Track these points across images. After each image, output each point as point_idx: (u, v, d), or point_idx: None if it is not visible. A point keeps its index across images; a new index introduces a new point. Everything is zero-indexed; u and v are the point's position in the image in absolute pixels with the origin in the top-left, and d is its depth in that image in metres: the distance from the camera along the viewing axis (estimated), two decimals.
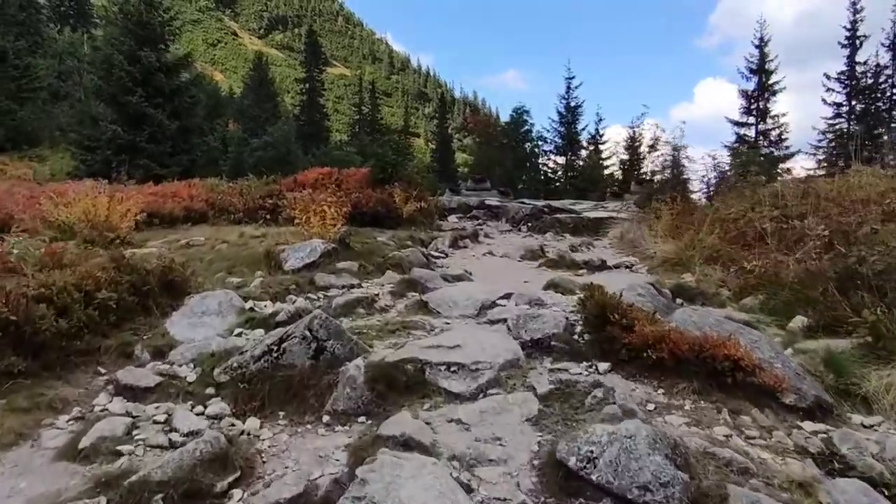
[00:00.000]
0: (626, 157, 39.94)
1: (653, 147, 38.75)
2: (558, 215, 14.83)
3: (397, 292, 6.28)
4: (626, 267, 8.58)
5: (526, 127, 39.75)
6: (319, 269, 7.07)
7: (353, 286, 6.70)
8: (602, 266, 8.54)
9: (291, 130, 42.87)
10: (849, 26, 32.29)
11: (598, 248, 11.43)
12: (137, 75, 26.60)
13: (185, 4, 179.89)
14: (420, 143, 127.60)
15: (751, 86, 34.07)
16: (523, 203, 16.32)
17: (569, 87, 38.99)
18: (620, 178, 40.38)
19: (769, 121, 34.07)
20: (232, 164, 36.69)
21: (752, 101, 34.25)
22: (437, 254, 9.76)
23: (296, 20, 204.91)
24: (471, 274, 7.69)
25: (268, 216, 15.04)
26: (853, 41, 32.37)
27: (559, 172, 39.46)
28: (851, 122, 32.78)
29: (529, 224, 14.75)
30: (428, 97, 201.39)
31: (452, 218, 17.00)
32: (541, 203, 16.15)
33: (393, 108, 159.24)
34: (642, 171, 39.67)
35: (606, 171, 37.88)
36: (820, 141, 33.33)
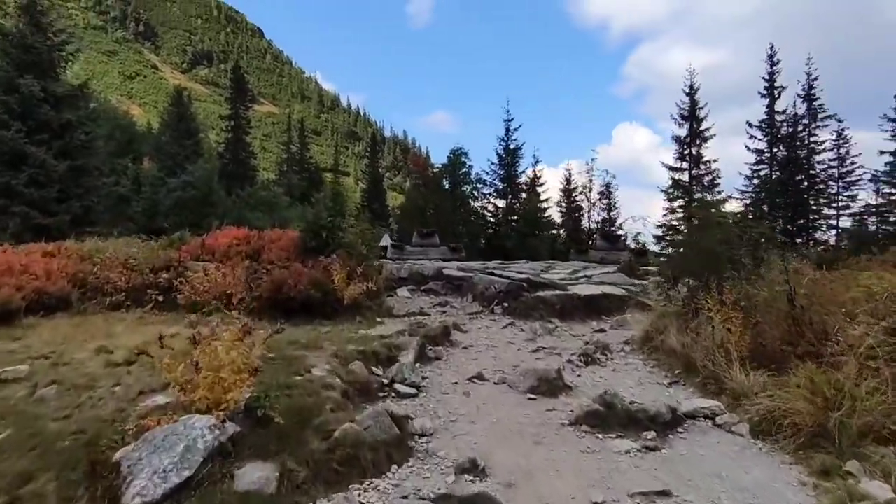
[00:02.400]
0: (564, 201, 38.60)
1: (603, 194, 37.34)
2: (541, 293, 11.72)
3: None
4: (707, 417, 5.46)
5: (464, 169, 37.79)
6: (199, 493, 3.57)
7: None
8: (675, 420, 5.41)
9: (214, 169, 39.43)
10: (767, 77, 34.16)
11: (616, 355, 8.35)
12: (15, 106, 22.19)
13: (101, 34, 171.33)
14: (350, 182, 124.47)
15: (683, 132, 35.07)
16: (493, 275, 13.12)
17: (508, 129, 37.90)
18: (565, 219, 38.69)
19: (702, 166, 34.83)
20: (145, 207, 32.48)
21: (686, 146, 35.06)
22: (405, 389, 6.33)
23: (222, 56, 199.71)
24: (480, 469, 4.38)
25: (160, 298, 11.26)
26: (771, 91, 34.09)
27: (500, 216, 37.48)
28: (774, 169, 34.35)
29: (505, 304, 11.61)
30: (358, 136, 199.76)
31: (403, 292, 13.66)
32: (517, 275, 12.99)
33: (322, 147, 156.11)
34: (582, 215, 38.25)
35: (545, 215, 36.98)
36: (746, 186, 34.97)
